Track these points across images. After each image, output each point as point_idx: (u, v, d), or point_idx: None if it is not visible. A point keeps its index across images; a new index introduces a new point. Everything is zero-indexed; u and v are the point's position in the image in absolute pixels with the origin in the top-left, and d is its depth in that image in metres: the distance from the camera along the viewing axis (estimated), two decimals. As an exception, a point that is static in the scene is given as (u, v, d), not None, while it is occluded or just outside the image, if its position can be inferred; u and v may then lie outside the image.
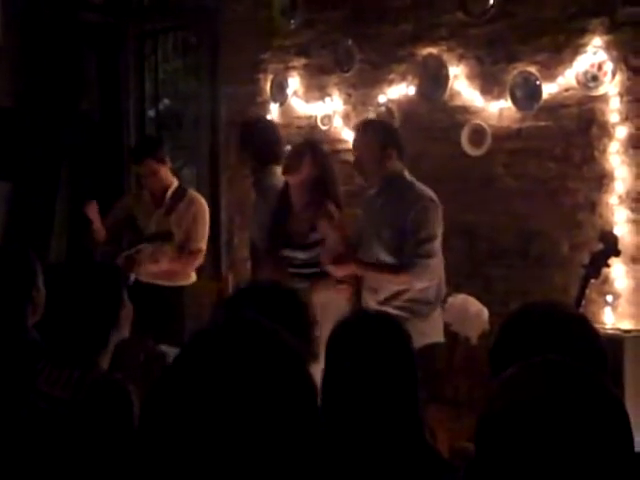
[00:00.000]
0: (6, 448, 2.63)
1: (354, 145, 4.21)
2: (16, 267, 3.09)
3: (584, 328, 2.10)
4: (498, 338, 2.13)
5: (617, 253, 3.70)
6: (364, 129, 4.21)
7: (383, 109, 5.42)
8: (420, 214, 3.96)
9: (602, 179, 4.54)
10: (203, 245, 5.02)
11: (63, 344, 2.63)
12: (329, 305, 3.99)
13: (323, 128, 5.73)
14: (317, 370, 2.18)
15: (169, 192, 5.02)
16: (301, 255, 4.45)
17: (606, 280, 4.41)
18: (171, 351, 4.46)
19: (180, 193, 5.06)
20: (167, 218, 4.96)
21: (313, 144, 4.65)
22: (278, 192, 4.58)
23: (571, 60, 4.57)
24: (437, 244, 4.00)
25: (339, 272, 4.25)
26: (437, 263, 4.02)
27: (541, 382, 1.38)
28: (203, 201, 5.15)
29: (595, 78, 4.51)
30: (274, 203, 4.59)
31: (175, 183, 5.09)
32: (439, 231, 4.00)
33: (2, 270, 3.07)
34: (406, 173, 4.12)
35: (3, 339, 2.99)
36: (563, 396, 1.35)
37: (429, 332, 4.04)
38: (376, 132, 4.13)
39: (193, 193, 5.21)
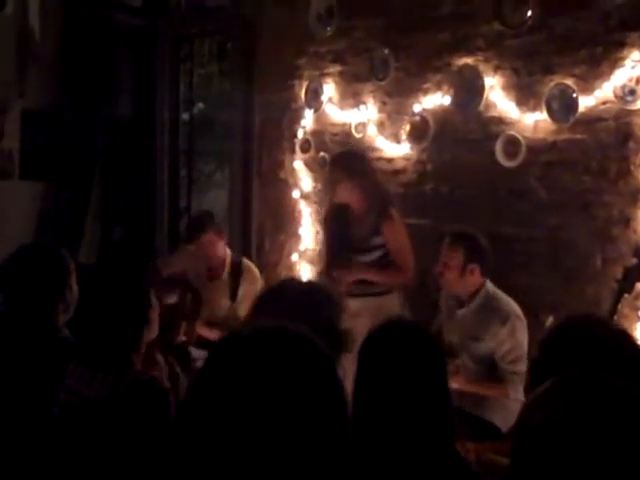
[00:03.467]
0: (38, 446, 2.65)
1: (440, 257, 4.29)
2: (50, 266, 3.11)
3: (625, 343, 2.08)
4: (538, 352, 2.11)
5: (651, 268, 3.68)
6: (452, 243, 4.28)
7: (418, 118, 5.42)
8: (510, 332, 4.11)
9: (637, 194, 4.50)
10: None
11: (97, 345, 2.65)
12: (381, 309, 4.07)
13: (357, 136, 5.74)
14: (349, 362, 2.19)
15: (226, 265, 5.13)
16: (362, 258, 4.57)
17: (639, 295, 4.37)
18: (200, 354, 4.50)
19: (237, 267, 5.15)
20: (232, 304, 5.06)
21: (340, 161, 4.77)
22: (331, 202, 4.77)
23: (609, 73, 4.54)
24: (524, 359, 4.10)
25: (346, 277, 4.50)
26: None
27: (578, 395, 1.38)
28: (257, 271, 5.27)
29: (633, 92, 4.47)
30: (334, 212, 4.78)
31: (229, 254, 5.18)
32: (526, 347, 4.11)
33: (36, 268, 3.09)
34: (488, 285, 4.25)
35: (34, 337, 3.01)
36: (601, 409, 1.34)
37: None
38: (462, 246, 4.23)
39: (248, 265, 5.28)
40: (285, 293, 2.40)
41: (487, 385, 4.18)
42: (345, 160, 4.80)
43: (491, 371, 4.19)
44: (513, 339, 4.12)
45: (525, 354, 4.07)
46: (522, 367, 4.04)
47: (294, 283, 2.67)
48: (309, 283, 2.77)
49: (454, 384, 3.93)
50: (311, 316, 2.08)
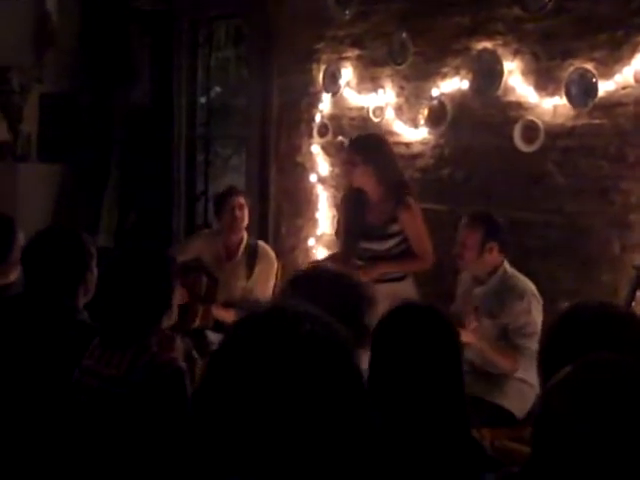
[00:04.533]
0: (55, 426, 2.67)
1: (458, 238, 4.30)
2: (73, 249, 3.13)
3: (636, 327, 2.07)
4: (548, 339, 2.11)
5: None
6: (470, 223, 4.29)
7: (436, 102, 5.40)
8: (526, 308, 4.12)
9: (656, 180, 4.48)
10: None
11: (117, 326, 2.67)
12: (397, 295, 4.06)
13: (375, 120, 5.71)
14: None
15: (242, 246, 5.17)
16: (379, 246, 4.55)
17: (657, 282, 4.34)
18: (216, 338, 4.51)
19: (253, 249, 5.19)
20: (247, 284, 5.09)
21: (358, 145, 4.74)
22: (347, 187, 4.73)
23: (629, 57, 4.49)
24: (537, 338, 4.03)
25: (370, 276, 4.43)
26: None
27: (599, 380, 1.37)
28: (272, 253, 5.33)
29: (653, 77, 4.43)
30: (349, 197, 4.77)
31: (246, 236, 5.22)
32: (539, 327, 4.07)
33: (59, 251, 3.11)
34: (506, 265, 4.26)
35: (52, 319, 3.03)
36: (622, 394, 1.33)
37: None
38: (480, 226, 4.24)
39: (264, 246, 5.35)
40: (318, 280, 2.40)
41: (499, 349, 4.13)
42: (362, 144, 4.77)
43: None
44: (529, 315, 4.11)
45: (538, 333, 4.03)
46: (534, 344, 4.00)
47: (329, 271, 2.66)
48: (343, 274, 2.75)
49: (466, 337, 3.91)
50: (339, 305, 2.07)
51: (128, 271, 2.78)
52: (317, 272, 2.57)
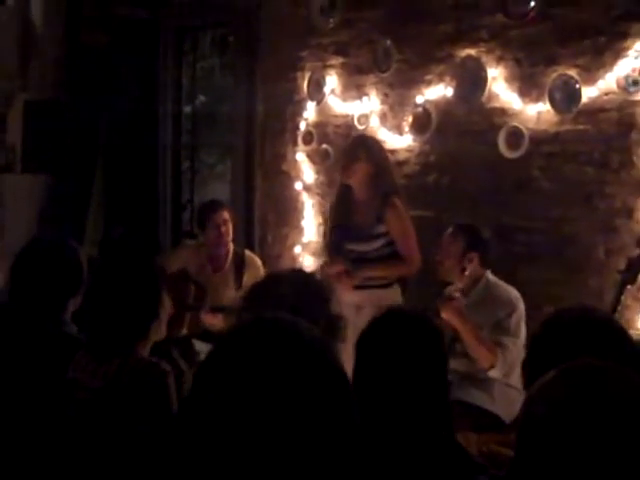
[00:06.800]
0: (42, 440, 2.65)
1: (440, 245, 4.31)
2: (69, 262, 3.08)
3: (616, 331, 2.09)
4: (531, 346, 2.13)
5: (655, 259, 3.68)
6: (453, 232, 4.30)
7: (420, 110, 5.41)
8: (510, 315, 4.09)
9: (640, 184, 4.50)
10: None
11: (103, 337, 2.65)
12: (384, 301, 4.06)
13: (360, 127, 5.73)
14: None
15: (229, 257, 5.15)
16: (365, 247, 4.55)
17: (642, 286, 4.36)
18: (203, 347, 4.50)
19: (240, 258, 5.18)
20: (237, 292, 5.02)
21: (364, 141, 4.76)
22: (338, 187, 4.71)
23: (612, 64, 4.52)
24: (519, 343, 4.03)
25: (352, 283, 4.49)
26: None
27: (581, 385, 1.37)
28: (259, 261, 5.31)
29: (636, 82, 4.45)
30: (338, 197, 4.77)
31: (232, 246, 5.20)
32: (524, 331, 4.07)
33: (55, 263, 3.06)
34: (489, 275, 4.26)
35: (38, 333, 3.00)
36: (608, 399, 1.34)
37: None
38: (462, 236, 4.25)
39: (251, 255, 5.32)
40: (272, 286, 2.40)
41: (481, 338, 4.02)
42: (368, 141, 4.82)
43: None
44: (511, 317, 4.08)
45: (521, 338, 4.01)
46: (515, 345, 3.98)
47: (280, 275, 2.67)
48: (294, 272, 2.77)
49: (447, 314, 3.96)
50: (301, 305, 2.09)
51: (115, 281, 2.75)
52: (271, 279, 2.57)
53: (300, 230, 6.23)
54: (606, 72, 4.55)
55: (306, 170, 6.19)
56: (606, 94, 4.57)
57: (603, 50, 4.58)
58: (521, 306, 4.14)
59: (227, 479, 1.19)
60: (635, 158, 4.50)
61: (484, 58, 5.10)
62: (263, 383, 1.20)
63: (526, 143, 4.88)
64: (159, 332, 2.80)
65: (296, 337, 1.28)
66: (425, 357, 2.24)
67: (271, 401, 1.19)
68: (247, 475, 1.18)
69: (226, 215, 5.12)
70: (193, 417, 1.24)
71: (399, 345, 2.23)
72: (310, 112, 6.10)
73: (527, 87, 4.91)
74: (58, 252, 3.11)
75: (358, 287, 4.51)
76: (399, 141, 5.55)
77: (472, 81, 5.15)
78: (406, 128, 5.51)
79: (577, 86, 4.65)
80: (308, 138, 6.12)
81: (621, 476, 1.29)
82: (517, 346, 3.98)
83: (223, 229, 5.08)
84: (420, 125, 5.44)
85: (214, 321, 4.74)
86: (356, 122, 5.76)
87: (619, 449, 1.30)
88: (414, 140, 5.49)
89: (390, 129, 5.59)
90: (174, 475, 1.30)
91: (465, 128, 5.22)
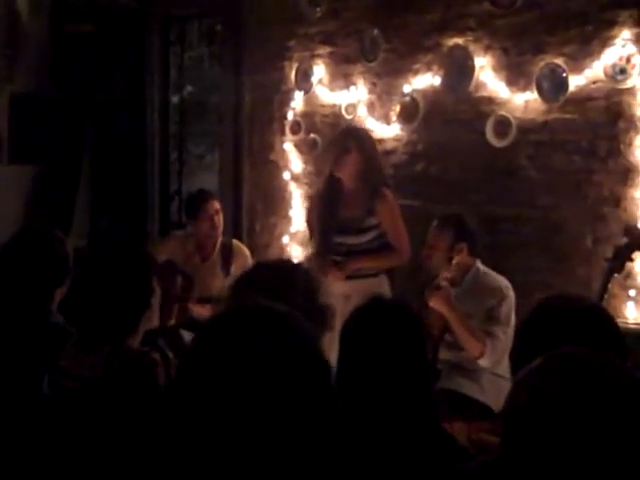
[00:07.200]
0: (32, 430, 2.65)
1: (427, 239, 4.27)
2: (54, 252, 3.09)
3: (602, 319, 2.10)
4: (518, 335, 2.14)
5: (641, 247, 3.68)
6: (439, 225, 4.26)
7: (408, 99, 5.41)
8: (500, 304, 4.08)
9: (628, 173, 4.50)
10: None
11: (93, 327, 2.64)
12: (371, 291, 4.05)
13: (347, 117, 5.72)
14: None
15: (217, 247, 5.13)
16: (354, 240, 4.54)
17: (629, 274, 4.38)
18: (188, 335, 4.50)
19: (227, 248, 5.16)
20: (225, 281, 5.00)
21: (355, 133, 4.75)
22: (326, 179, 4.69)
23: (599, 52, 4.53)
24: (509, 332, 4.01)
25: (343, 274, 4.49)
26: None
27: (566, 373, 1.38)
28: (247, 251, 5.29)
29: (623, 71, 4.46)
30: (324, 191, 4.73)
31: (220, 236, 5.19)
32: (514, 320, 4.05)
33: (40, 254, 3.07)
34: (479, 265, 4.22)
35: (26, 323, 3.00)
36: (589, 387, 1.34)
37: None
38: (449, 228, 4.20)
39: (239, 245, 5.31)
40: (259, 276, 2.40)
41: (469, 327, 4.00)
42: (359, 132, 4.82)
43: None
44: (501, 307, 4.08)
45: (510, 326, 4.01)
46: (504, 335, 3.99)
47: (267, 265, 2.67)
48: (282, 262, 2.78)
49: (434, 303, 3.95)
50: (289, 295, 2.10)
51: (104, 271, 2.74)
52: (259, 268, 2.58)
53: (288, 220, 6.23)
54: (593, 61, 4.55)
55: (294, 160, 6.19)
56: (593, 82, 4.58)
57: (590, 38, 4.58)
58: (511, 295, 4.14)
59: (211, 464, 1.20)
60: (622, 146, 4.51)
61: (471, 47, 5.09)
62: (244, 370, 1.21)
63: (514, 132, 4.88)
64: (151, 321, 2.80)
65: (278, 324, 1.30)
66: (404, 344, 2.27)
67: (251, 387, 1.20)
68: (231, 459, 1.19)
69: (217, 205, 5.12)
70: (177, 403, 1.26)
71: (379, 333, 2.27)
72: (298, 102, 6.09)
73: (514, 76, 4.91)
74: (44, 242, 3.11)
75: (346, 277, 4.52)
76: (387, 130, 5.55)
77: (459, 70, 5.15)
78: (394, 117, 5.51)
79: (564, 75, 4.66)
80: (296, 128, 6.11)
81: (605, 462, 1.30)
82: (507, 335, 3.99)
83: (216, 219, 5.08)
84: (408, 114, 5.44)
85: (202, 311, 4.74)
86: (344, 112, 5.76)
87: (601, 436, 1.30)
88: (402, 129, 5.49)
89: (378, 118, 5.59)
90: (162, 463, 1.31)
91: (453, 117, 5.21)
